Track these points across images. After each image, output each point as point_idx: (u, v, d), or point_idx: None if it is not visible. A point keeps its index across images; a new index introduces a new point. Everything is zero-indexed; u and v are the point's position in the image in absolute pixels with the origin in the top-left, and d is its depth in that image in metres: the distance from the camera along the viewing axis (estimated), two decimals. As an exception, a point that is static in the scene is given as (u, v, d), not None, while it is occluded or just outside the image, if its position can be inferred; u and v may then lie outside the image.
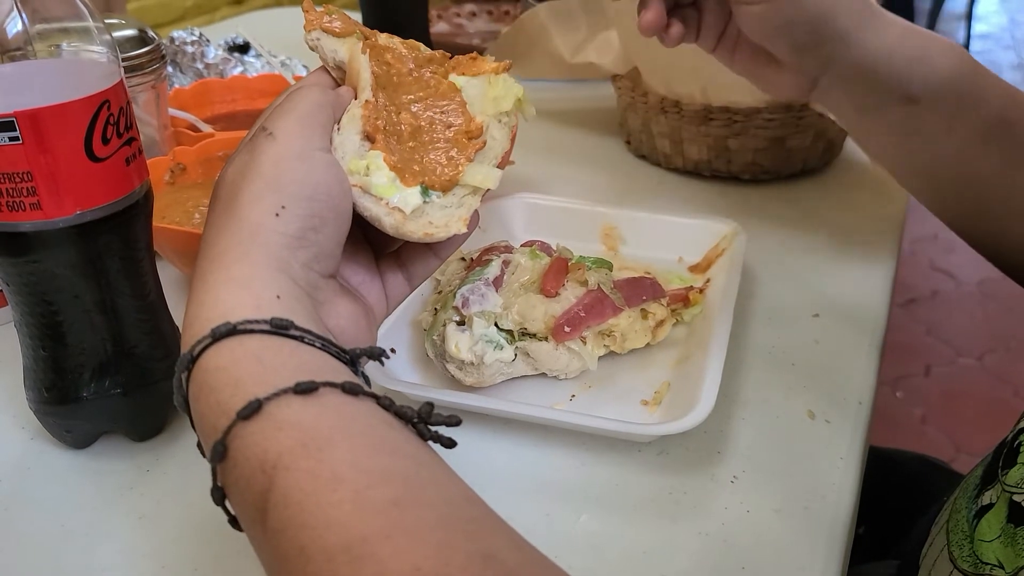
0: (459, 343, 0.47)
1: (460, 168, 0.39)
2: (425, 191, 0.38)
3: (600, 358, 0.50)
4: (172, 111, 0.67)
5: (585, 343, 0.49)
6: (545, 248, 0.55)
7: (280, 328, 0.31)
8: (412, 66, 0.41)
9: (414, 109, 0.40)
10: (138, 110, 0.60)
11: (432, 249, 0.41)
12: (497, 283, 0.50)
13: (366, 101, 0.38)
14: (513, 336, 0.48)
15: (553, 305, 0.49)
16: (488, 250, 0.54)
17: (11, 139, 0.36)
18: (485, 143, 0.40)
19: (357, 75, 0.39)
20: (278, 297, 0.33)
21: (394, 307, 0.42)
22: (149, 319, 0.44)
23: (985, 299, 2.11)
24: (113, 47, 0.40)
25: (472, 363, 0.47)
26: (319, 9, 0.41)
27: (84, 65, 0.40)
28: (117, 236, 0.41)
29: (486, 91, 0.41)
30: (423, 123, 0.40)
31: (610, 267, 0.53)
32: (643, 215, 0.62)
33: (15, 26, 0.37)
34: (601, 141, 0.84)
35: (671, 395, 0.48)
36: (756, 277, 0.60)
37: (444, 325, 0.48)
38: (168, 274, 0.53)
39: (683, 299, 0.53)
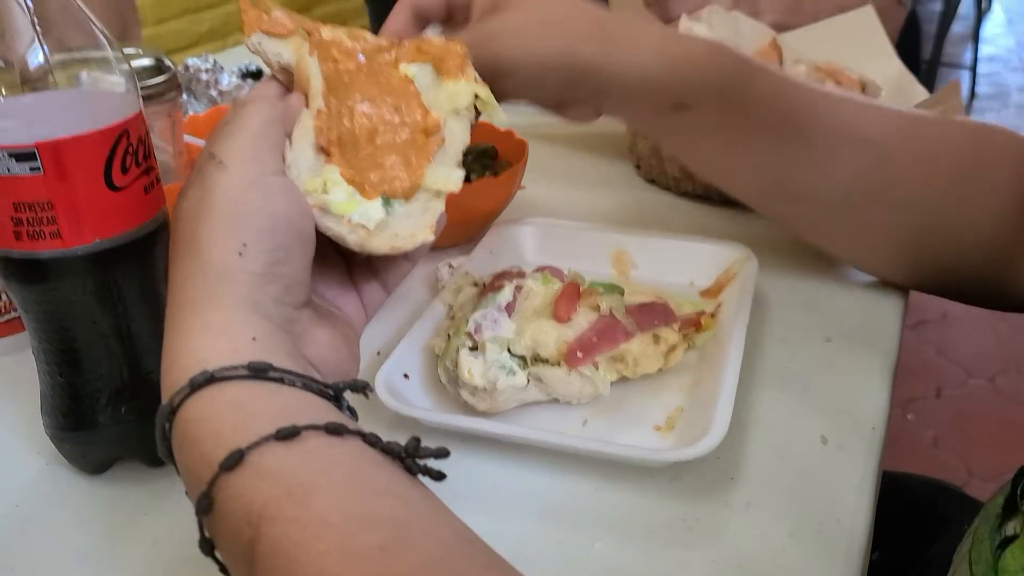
0: (472, 369, 0.47)
1: (420, 172, 0.37)
2: (387, 201, 0.37)
3: (612, 384, 0.50)
4: (187, 138, 0.68)
5: (597, 368, 0.49)
6: (557, 273, 0.55)
7: (258, 371, 0.31)
8: (361, 59, 0.39)
9: (366, 109, 0.38)
10: (154, 137, 0.61)
11: (404, 255, 0.39)
12: (510, 309, 0.50)
13: (318, 111, 0.37)
14: (526, 362, 0.49)
15: (565, 331, 0.49)
16: (500, 275, 0.54)
17: (32, 169, 0.37)
18: (444, 140, 0.38)
19: (306, 79, 0.38)
20: (254, 339, 0.32)
21: (373, 315, 0.41)
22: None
23: (995, 319, 2.10)
24: (132, 77, 0.41)
25: (485, 389, 0.47)
26: (257, 9, 0.39)
27: (103, 95, 0.40)
28: (135, 264, 0.41)
29: (442, 84, 0.39)
30: (377, 124, 0.38)
31: (621, 292, 0.53)
32: (653, 239, 0.63)
33: (37, 57, 0.38)
34: (611, 166, 0.84)
35: (684, 421, 0.48)
36: (767, 301, 0.60)
37: (457, 351, 0.48)
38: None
39: (695, 324, 0.53)
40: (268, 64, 0.39)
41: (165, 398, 0.31)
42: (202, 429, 0.30)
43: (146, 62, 0.59)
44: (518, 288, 0.52)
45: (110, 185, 0.39)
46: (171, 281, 0.35)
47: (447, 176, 0.38)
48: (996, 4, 4.96)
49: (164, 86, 0.58)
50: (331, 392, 0.33)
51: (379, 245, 0.36)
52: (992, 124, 0.56)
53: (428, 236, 0.37)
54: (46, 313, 0.41)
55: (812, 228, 0.58)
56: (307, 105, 0.38)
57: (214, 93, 0.82)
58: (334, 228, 0.36)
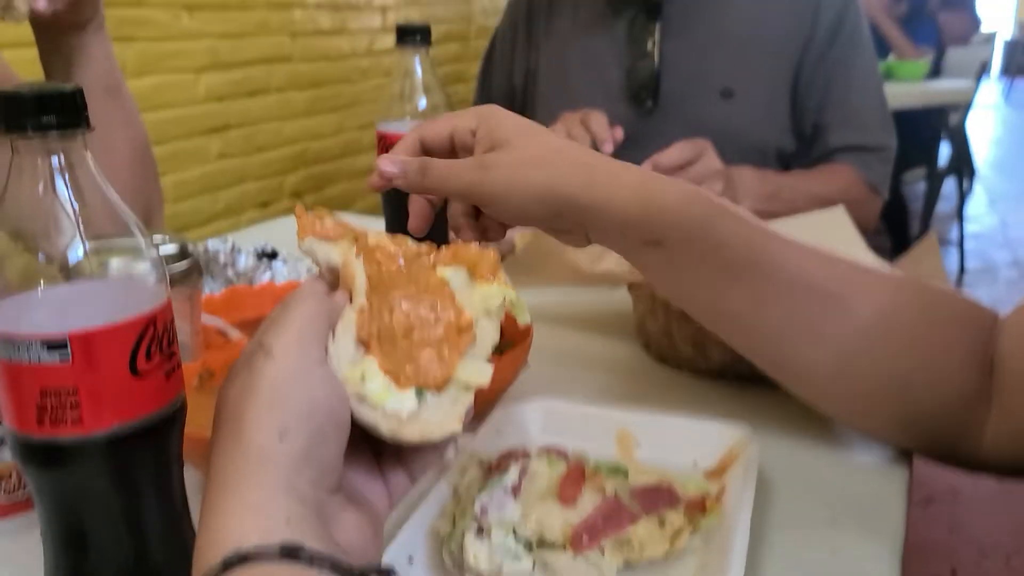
0: (477, 554, 0.47)
1: (452, 366, 0.40)
2: (420, 393, 0.39)
3: (618, 570, 0.49)
4: (204, 317, 0.70)
5: (603, 553, 0.49)
6: (562, 453, 0.56)
7: (290, 553, 0.32)
8: (402, 262, 0.43)
9: (405, 307, 0.41)
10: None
11: (431, 445, 0.41)
12: (516, 490, 0.51)
13: (360, 307, 0.40)
14: (531, 546, 0.48)
15: (571, 514, 0.49)
16: (506, 455, 0.55)
17: (62, 358, 0.39)
18: (475, 337, 0.41)
19: (351, 278, 0.41)
20: (288, 521, 0.34)
21: (397, 503, 0.42)
22: (173, 528, 0.44)
23: (1007, 496, 2.06)
24: (160, 264, 0.43)
25: (491, 574, 0.47)
26: (310, 214, 0.43)
27: (133, 284, 0.42)
28: (151, 447, 0.42)
29: (475, 287, 0.42)
30: (414, 321, 0.40)
31: (626, 473, 0.54)
32: (656, 418, 0.64)
33: (77, 253, 0.40)
34: (618, 346, 0.86)
35: (692, 609, 0.47)
36: (773, 482, 0.60)
37: (463, 535, 0.48)
38: (191, 478, 0.54)
39: (700, 507, 0.53)
40: (317, 264, 0.43)
41: (197, 575, 0.32)
42: None
43: (171, 248, 0.62)
44: (524, 469, 0.52)
45: (134, 371, 0.40)
46: (212, 463, 0.36)
47: (478, 371, 0.40)
48: (977, 185, 5.22)
49: (187, 271, 0.61)
50: (358, 575, 0.33)
51: (410, 434, 0.38)
52: (946, 290, 0.59)
53: (457, 427, 0.39)
54: (59, 495, 0.41)
55: (781, 374, 0.61)
56: (350, 301, 0.41)
57: (231, 273, 0.86)
58: (368, 416, 0.38)
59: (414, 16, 2.92)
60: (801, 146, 1.23)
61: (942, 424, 0.57)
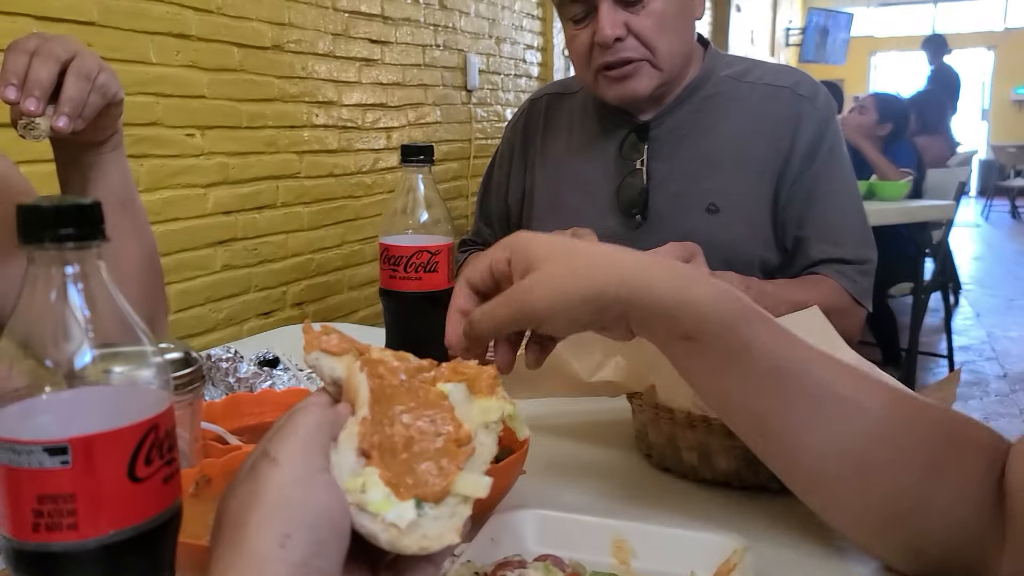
0: (472, 666, 0.46)
1: (451, 478, 0.41)
2: (419, 504, 0.40)
3: None
4: (203, 424, 0.71)
5: (600, 667, 0.48)
6: (558, 563, 0.55)
7: None
8: (404, 377, 0.44)
9: (406, 420, 0.42)
10: (172, 425, 0.64)
11: (427, 557, 0.41)
12: (511, 601, 0.50)
13: (363, 418, 0.41)
14: (526, 659, 0.47)
15: (566, 625, 0.48)
16: (502, 565, 0.55)
17: (62, 463, 0.39)
18: (474, 450, 0.42)
19: (355, 391, 0.42)
20: None
21: None
22: (161, 640, 0.44)
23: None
24: (165, 371, 0.44)
25: None
26: (317, 329, 0.45)
27: (137, 390, 0.43)
28: (145, 554, 0.42)
29: (474, 401, 0.44)
30: (414, 433, 0.42)
31: (622, 584, 0.53)
32: (651, 528, 0.63)
33: (84, 359, 0.41)
34: (617, 455, 0.85)
35: None
36: (771, 594, 0.59)
37: (457, 646, 0.47)
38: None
39: (698, 618, 0.53)
40: (321, 377, 0.44)
41: None
42: None
43: (175, 355, 0.63)
44: (519, 579, 0.52)
45: (132, 477, 0.41)
46: (211, 569, 0.37)
47: (476, 483, 0.41)
48: (963, 299, 5.30)
49: (189, 378, 0.62)
50: None
51: (409, 544, 0.39)
52: (960, 413, 0.59)
53: (455, 538, 0.40)
54: (48, 604, 0.41)
55: (795, 481, 0.61)
56: (353, 413, 0.42)
57: (232, 380, 0.87)
58: (368, 526, 0.39)
59: (417, 136, 3.04)
60: (784, 259, 1.26)
61: (953, 555, 0.56)
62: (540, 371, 0.87)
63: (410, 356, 0.45)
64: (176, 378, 0.61)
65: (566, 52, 4.77)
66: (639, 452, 0.85)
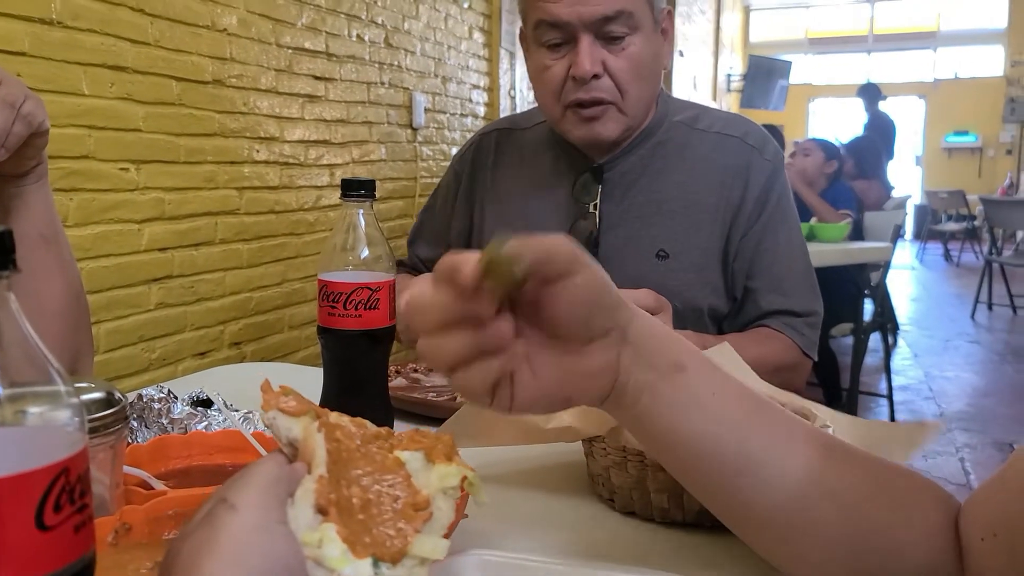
0: None
1: (409, 539, 0.41)
2: (376, 562, 0.39)
3: None
4: (125, 468, 0.67)
5: None
6: (501, 611, 0.53)
7: None
8: (359, 443, 0.44)
9: (363, 483, 0.42)
10: (92, 469, 0.60)
11: None
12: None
13: (320, 476, 0.41)
14: None
15: (510, 677, 0.46)
16: (441, 614, 0.52)
17: (-38, 510, 0.36)
18: (432, 514, 0.42)
19: (311, 452, 0.42)
20: None
21: None
22: None
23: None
24: (80, 411, 0.41)
25: None
26: (276, 389, 0.44)
27: (47, 431, 0.40)
28: (52, 610, 0.39)
29: (432, 468, 0.44)
30: (372, 496, 0.42)
31: (568, 631, 0.51)
32: (600, 572, 0.61)
33: None
34: (572, 501, 0.83)
35: None
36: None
37: None
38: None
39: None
40: (277, 437, 0.44)
41: None
42: None
43: (97, 395, 0.60)
44: (460, 629, 0.49)
45: (40, 525, 0.38)
46: None
47: (434, 545, 0.42)
48: (900, 339, 5.46)
49: (111, 419, 0.59)
50: None
51: None
52: (898, 464, 0.59)
53: None
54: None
55: (754, 533, 0.59)
56: (309, 472, 0.42)
57: (165, 421, 0.83)
58: None
59: (362, 173, 3.01)
60: (733, 307, 1.27)
61: None
62: (495, 420, 0.84)
63: (367, 423, 0.46)
64: (96, 419, 0.58)
65: (512, 92, 4.77)
66: (596, 496, 0.83)
